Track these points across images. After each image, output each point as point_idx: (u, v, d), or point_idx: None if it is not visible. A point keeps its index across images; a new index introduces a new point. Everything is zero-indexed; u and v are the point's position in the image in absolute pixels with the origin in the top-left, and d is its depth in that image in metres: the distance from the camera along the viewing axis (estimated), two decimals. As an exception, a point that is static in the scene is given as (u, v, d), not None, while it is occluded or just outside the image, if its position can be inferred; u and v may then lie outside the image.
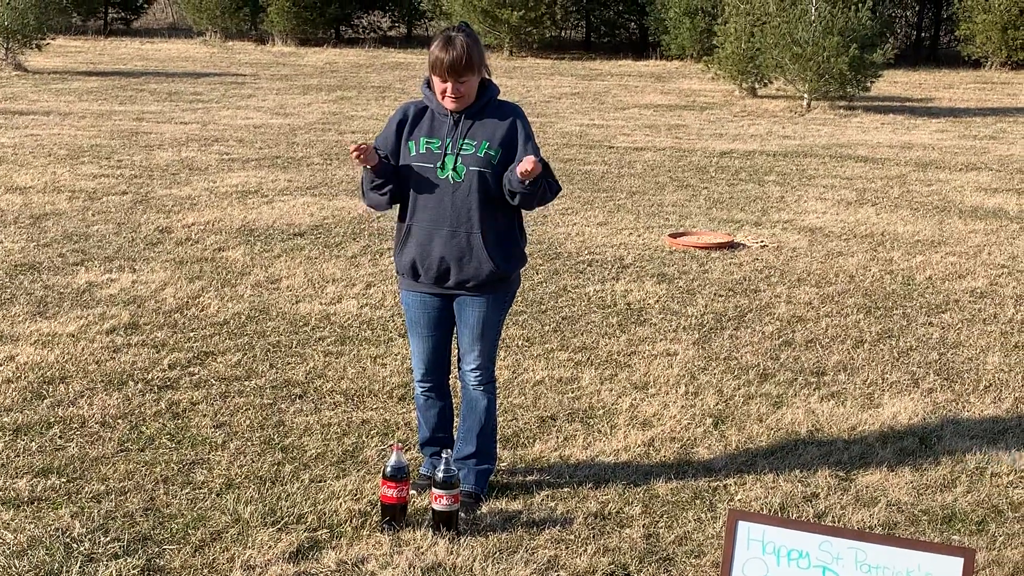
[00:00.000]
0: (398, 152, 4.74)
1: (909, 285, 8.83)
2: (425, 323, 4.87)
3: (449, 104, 4.64)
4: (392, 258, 4.99)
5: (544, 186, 4.67)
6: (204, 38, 37.15)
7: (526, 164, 4.49)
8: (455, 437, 5.04)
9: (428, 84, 4.75)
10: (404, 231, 4.77)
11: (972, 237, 10.67)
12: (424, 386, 4.98)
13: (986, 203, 12.53)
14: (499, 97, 4.81)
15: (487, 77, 4.75)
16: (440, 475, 4.56)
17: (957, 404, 6.30)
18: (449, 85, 4.59)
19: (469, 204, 4.65)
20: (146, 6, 42.34)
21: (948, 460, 5.50)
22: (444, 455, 4.61)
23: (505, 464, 5.29)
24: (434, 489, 4.57)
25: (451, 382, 5.12)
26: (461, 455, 4.92)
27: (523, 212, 4.89)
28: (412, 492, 4.82)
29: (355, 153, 4.58)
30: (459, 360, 4.94)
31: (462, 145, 4.65)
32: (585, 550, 4.52)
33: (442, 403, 5.03)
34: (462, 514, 4.68)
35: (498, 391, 6.17)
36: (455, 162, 4.65)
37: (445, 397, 5.05)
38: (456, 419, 5.13)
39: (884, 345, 7.30)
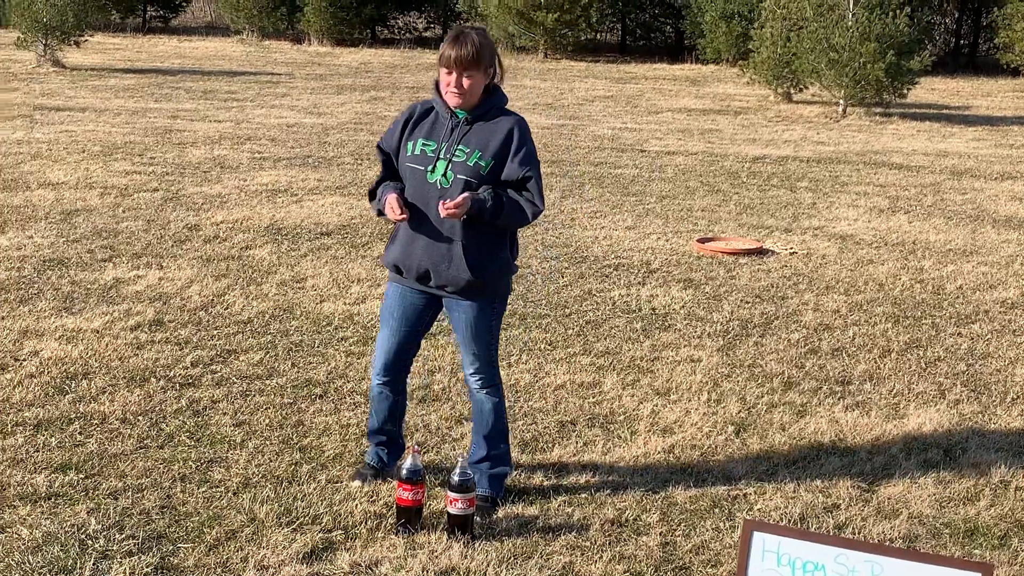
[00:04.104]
0: (398, 151, 4.75)
1: (939, 294, 8.74)
2: (399, 315, 4.86)
3: (451, 99, 4.63)
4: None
5: (507, 211, 4.62)
6: (241, 37, 37.32)
7: (442, 205, 4.49)
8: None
9: (437, 85, 4.74)
10: (394, 230, 4.79)
11: (1005, 247, 10.56)
12: (380, 379, 4.97)
13: (1020, 212, 12.40)
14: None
15: (496, 84, 4.73)
16: (455, 479, 4.54)
17: (983, 416, 6.22)
18: (453, 77, 4.58)
19: None
20: (185, 4, 42.57)
21: (972, 473, 5.43)
22: (460, 459, 4.59)
23: (523, 468, 5.26)
24: (449, 492, 4.55)
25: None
26: (474, 459, 4.90)
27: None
28: (357, 483, 4.93)
29: (399, 216, 4.61)
30: (463, 367, 4.94)
31: (455, 151, 4.64)
32: (601, 557, 4.49)
33: (395, 398, 5.03)
34: (477, 518, 4.66)
35: (520, 394, 6.17)
36: (446, 168, 4.63)
37: (399, 394, 5.04)
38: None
39: (911, 355, 7.22)
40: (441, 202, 4.53)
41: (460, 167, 4.62)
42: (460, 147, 4.64)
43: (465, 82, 4.59)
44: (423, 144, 4.68)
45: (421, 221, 4.67)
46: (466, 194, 4.55)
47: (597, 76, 30.10)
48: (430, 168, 4.64)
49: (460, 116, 4.67)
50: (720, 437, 5.76)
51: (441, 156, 4.65)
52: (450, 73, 4.59)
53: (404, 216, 4.61)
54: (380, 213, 4.78)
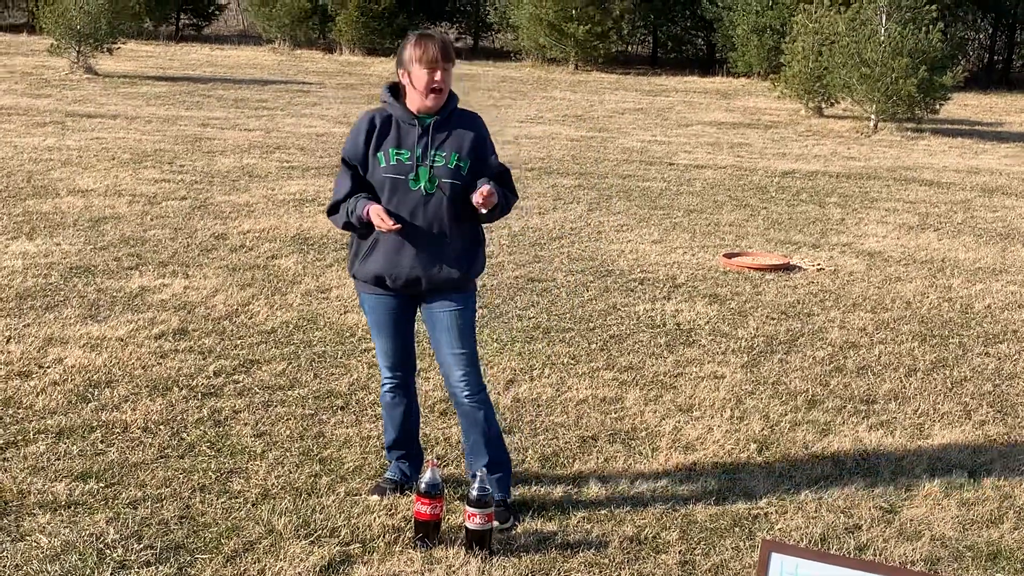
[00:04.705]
0: (367, 163, 4.73)
1: (967, 313, 8.66)
2: (391, 322, 4.88)
3: (431, 102, 4.66)
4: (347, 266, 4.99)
5: (501, 203, 4.73)
6: (273, 46, 37.52)
7: (480, 196, 4.55)
8: (463, 452, 5.05)
9: (391, 91, 4.77)
10: (370, 242, 4.76)
11: (1035, 266, 10.47)
12: (392, 382, 4.99)
13: (1052, 231, 12.29)
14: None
15: None
16: (474, 493, 4.52)
17: (1009, 437, 6.16)
18: (438, 74, 4.62)
19: (442, 215, 4.69)
20: (217, 13, 42.85)
21: (996, 495, 5.37)
22: (479, 473, 4.58)
23: (543, 483, 5.24)
24: (467, 507, 4.54)
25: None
26: (476, 470, 4.91)
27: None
28: (376, 498, 4.93)
29: (393, 227, 4.60)
30: (445, 378, 4.92)
31: (434, 157, 4.67)
32: (619, 575, 4.46)
33: (408, 402, 5.04)
34: (496, 522, 4.63)
35: (541, 409, 6.16)
36: (428, 174, 4.66)
37: (411, 397, 5.06)
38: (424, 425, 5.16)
39: (938, 374, 7.16)
40: (478, 192, 4.56)
41: (442, 171, 4.67)
42: (437, 152, 4.68)
43: (447, 77, 4.66)
44: (396, 153, 4.69)
45: (409, 230, 4.68)
46: (488, 185, 4.61)
47: (627, 88, 30.08)
48: (412, 176, 4.67)
49: (427, 121, 4.70)
50: (742, 455, 5.72)
51: (420, 163, 4.67)
52: (433, 71, 4.62)
53: (397, 226, 4.61)
54: (349, 227, 4.74)
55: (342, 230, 4.85)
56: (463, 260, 4.76)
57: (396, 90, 4.78)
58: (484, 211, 4.62)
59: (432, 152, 4.67)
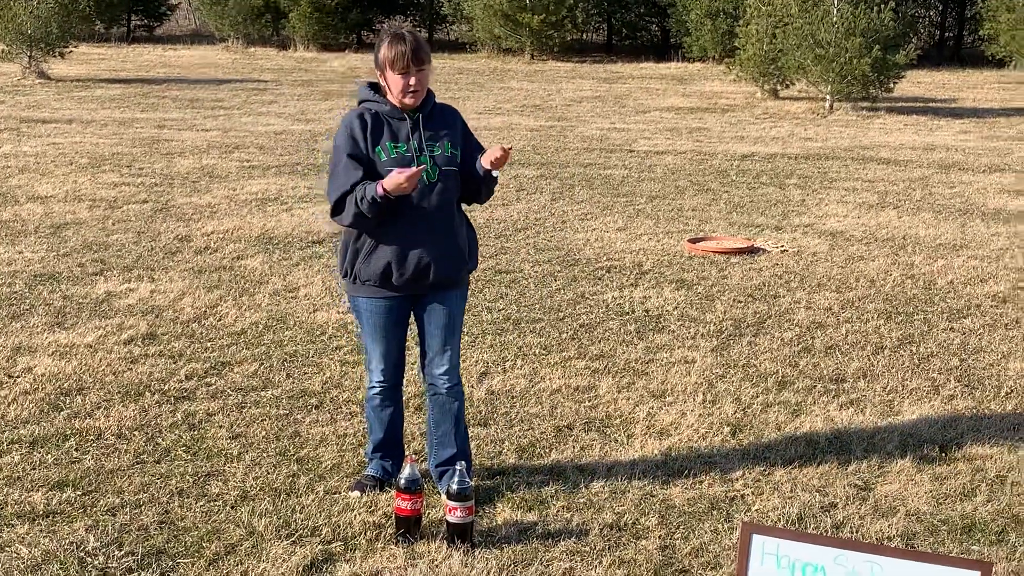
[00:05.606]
0: (369, 157, 4.72)
1: (930, 289, 8.76)
2: (391, 325, 4.90)
3: (409, 100, 4.70)
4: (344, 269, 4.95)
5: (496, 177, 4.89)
6: (226, 44, 37.28)
7: (496, 152, 4.68)
8: (430, 444, 5.08)
9: (372, 88, 4.80)
10: (373, 240, 4.76)
11: (994, 240, 10.59)
12: (383, 386, 5.00)
13: (1009, 205, 12.44)
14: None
15: None
16: (455, 487, 4.54)
17: (978, 411, 6.24)
18: (412, 79, 4.66)
19: (445, 202, 4.77)
20: (169, 13, 42.52)
21: (968, 468, 5.44)
22: (458, 467, 4.60)
23: (521, 474, 5.27)
24: (448, 501, 4.56)
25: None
26: (442, 459, 4.99)
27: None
28: (356, 493, 4.95)
29: (411, 180, 4.57)
30: (427, 366, 4.96)
31: (432, 147, 4.76)
32: (600, 562, 4.49)
33: (395, 406, 5.07)
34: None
35: (516, 400, 6.19)
36: (430, 162, 4.73)
37: (398, 401, 5.09)
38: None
39: (904, 351, 7.24)
40: (494, 155, 4.67)
41: (441, 159, 4.76)
42: (432, 142, 4.77)
43: (422, 78, 4.69)
44: (394, 147, 4.73)
45: (415, 220, 4.72)
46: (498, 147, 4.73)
47: (584, 76, 30.12)
48: (414, 167, 4.70)
49: (415, 115, 4.76)
50: (716, 438, 5.77)
51: (418, 153, 4.73)
52: (407, 74, 4.65)
53: (421, 167, 4.61)
54: (359, 220, 4.65)
55: (348, 227, 4.78)
56: (467, 247, 4.88)
57: (377, 87, 4.80)
58: (495, 172, 4.74)
59: (426, 143, 4.74)
